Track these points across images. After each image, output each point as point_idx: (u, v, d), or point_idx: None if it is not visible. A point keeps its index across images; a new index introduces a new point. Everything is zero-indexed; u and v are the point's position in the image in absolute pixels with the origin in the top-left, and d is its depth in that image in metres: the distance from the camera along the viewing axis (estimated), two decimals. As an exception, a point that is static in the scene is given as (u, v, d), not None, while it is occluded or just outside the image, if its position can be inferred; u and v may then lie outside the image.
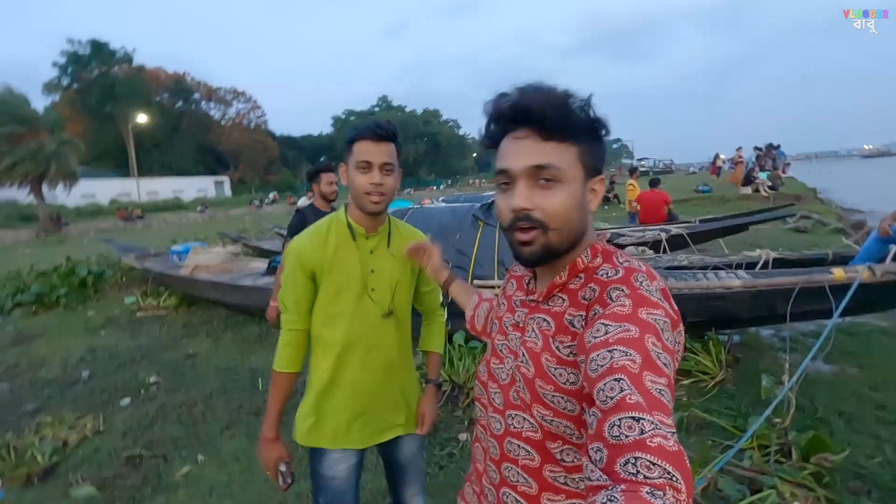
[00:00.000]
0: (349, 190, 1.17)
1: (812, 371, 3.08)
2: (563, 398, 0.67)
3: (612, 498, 0.41)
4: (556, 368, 0.68)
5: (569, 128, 0.65)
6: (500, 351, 0.80)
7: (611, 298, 0.63)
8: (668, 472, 0.43)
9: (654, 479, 0.42)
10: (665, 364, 0.53)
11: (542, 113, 0.64)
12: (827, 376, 3.04)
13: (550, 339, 0.70)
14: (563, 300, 0.71)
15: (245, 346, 4.42)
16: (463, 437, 2.59)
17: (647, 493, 0.41)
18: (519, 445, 0.74)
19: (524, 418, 0.73)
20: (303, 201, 9.18)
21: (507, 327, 0.80)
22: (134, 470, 2.53)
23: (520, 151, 0.67)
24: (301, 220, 3.04)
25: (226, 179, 51.77)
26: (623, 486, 0.42)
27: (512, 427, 0.75)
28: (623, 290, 0.62)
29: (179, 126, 50.43)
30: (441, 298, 1.45)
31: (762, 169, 14.04)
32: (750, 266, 4.01)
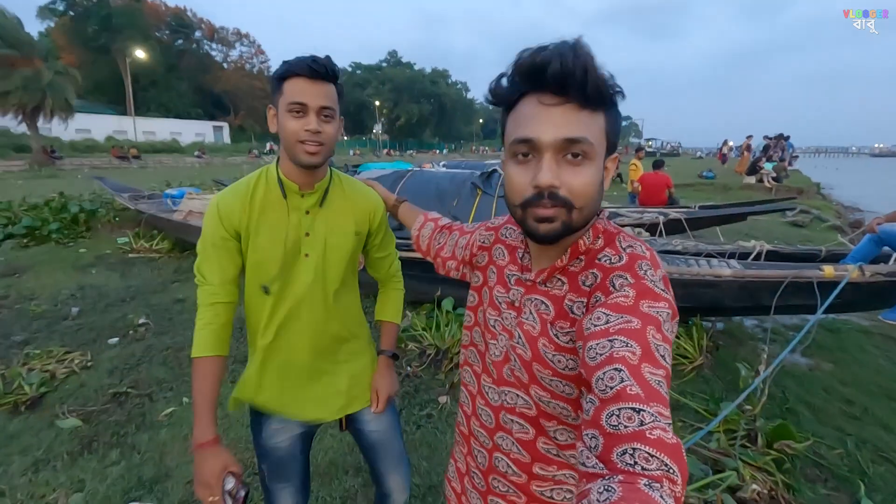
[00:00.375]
0: (280, 138, 0.98)
1: (789, 363, 3.16)
2: (561, 382, 0.67)
3: (609, 488, 0.41)
4: (553, 355, 0.67)
5: (605, 97, 0.60)
6: (493, 327, 0.78)
7: (614, 287, 0.61)
8: (666, 465, 0.43)
9: (651, 470, 0.42)
10: (664, 355, 0.53)
11: (585, 79, 0.57)
12: (802, 369, 3.11)
13: (549, 325, 0.68)
14: (563, 283, 0.69)
15: (235, 295, 4.44)
16: (443, 399, 2.66)
17: (645, 484, 0.41)
18: (513, 420, 0.75)
19: (518, 395, 0.73)
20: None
21: (499, 302, 0.78)
22: (119, 407, 2.59)
23: (552, 121, 0.60)
24: None
25: (225, 125, 50.65)
26: (620, 477, 0.42)
27: (506, 402, 0.76)
28: (626, 279, 0.61)
29: (179, 65, 48.78)
30: (398, 265, 1.33)
31: (769, 159, 13.87)
32: (743, 256, 4.03)
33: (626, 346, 0.52)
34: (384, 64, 71.13)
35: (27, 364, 2.92)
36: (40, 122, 22.49)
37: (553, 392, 0.68)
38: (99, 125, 35.48)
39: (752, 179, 13.37)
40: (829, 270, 2.91)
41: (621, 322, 0.55)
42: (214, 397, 1.01)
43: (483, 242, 0.88)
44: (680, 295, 3.07)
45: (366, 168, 7.98)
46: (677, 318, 0.61)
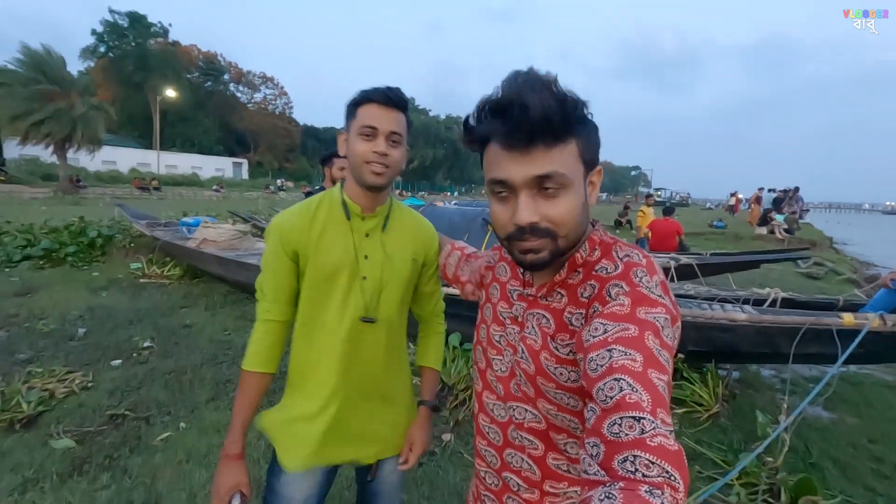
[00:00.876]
0: (349, 160, 1.01)
1: (810, 415, 3.01)
2: (565, 395, 0.67)
3: (610, 495, 0.41)
4: (555, 368, 0.67)
5: (570, 126, 0.60)
6: (498, 342, 0.79)
7: (610, 296, 0.61)
8: (667, 472, 0.42)
9: (652, 477, 0.42)
10: (665, 361, 0.53)
11: (546, 122, 0.57)
12: (824, 422, 2.96)
13: (549, 338, 0.69)
14: (562, 296, 0.69)
15: (241, 322, 4.42)
16: (447, 437, 2.56)
17: (646, 491, 0.40)
18: (523, 436, 0.74)
19: (526, 409, 0.73)
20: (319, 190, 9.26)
21: (503, 318, 0.79)
22: (115, 428, 2.53)
23: (520, 161, 0.60)
24: None
25: (244, 162, 52.46)
26: (621, 484, 0.42)
27: (514, 417, 0.75)
28: (622, 287, 0.61)
29: (206, 104, 51.21)
30: (443, 304, 1.26)
31: (780, 211, 13.87)
32: (757, 303, 3.94)
33: (625, 355, 0.52)
34: (401, 110, 74.01)
35: (28, 382, 2.89)
36: (70, 153, 23.50)
37: (559, 405, 0.68)
38: (124, 157, 36.99)
39: (763, 230, 13.32)
40: (848, 318, 2.82)
41: (619, 330, 0.54)
42: (251, 413, 1.03)
43: (489, 262, 0.91)
44: (694, 338, 3.02)
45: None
46: (678, 323, 0.61)
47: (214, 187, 34.42)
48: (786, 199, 14.37)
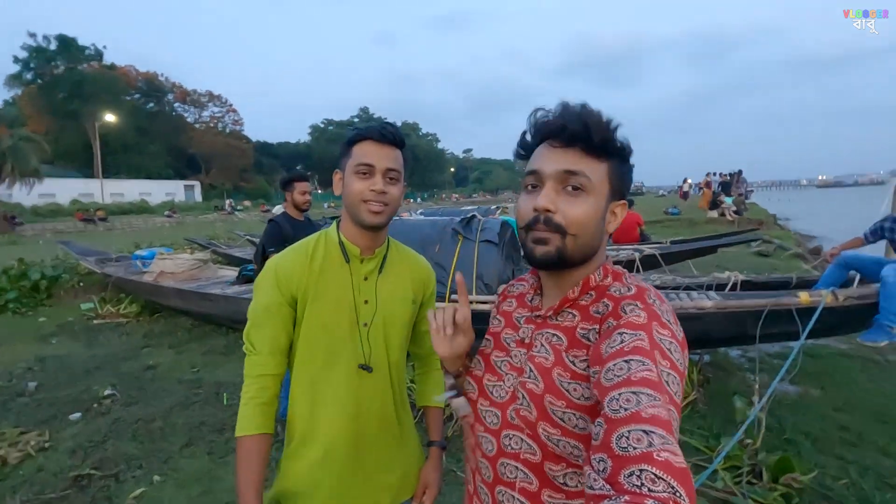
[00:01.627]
0: (344, 199, 0.98)
1: (779, 392, 3.16)
2: (574, 415, 0.65)
3: None
4: (569, 383, 0.67)
5: (607, 147, 0.68)
6: (499, 368, 0.78)
7: (625, 312, 0.64)
8: (673, 488, 0.42)
9: (658, 492, 0.42)
10: (670, 382, 0.54)
11: (588, 132, 0.66)
12: (793, 397, 3.12)
13: (563, 353, 0.69)
14: (574, 315, 0.71)
15: (210, 357, 4.22)
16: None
17: None
18: (516, 467, 0.72)
19: (522, 439, 0.71)
20: (278, 209, 9.01)
21: (507, 343, 0.79)
22: (81, 492, 2.34)
23: (555, 157, 0.68)
24: (275, 230, 2.96)
25: (196, 184, 50.41)
26: (626, 498, 0.42)
27: (508, 448, 0.73)
28: (637, 305, 0.64)
29: (150, 128, 48.90)
30: None
31: (728, 194, 14.65)
32: (720, 287, 4.13)
33: (643, 365, 0.53)
34: (356, 119, 73.37)
35: (-25, 450, 2.64)
36: (1, 189, 21.86)
37: (564, 428, 0.66)
38: (64, 189, 34.66)
39: (714, 213, 14.03)
40: (804, 297, 3.00)
41: (635, 340, 0.57)
42: (261, 479, 0.95)
43: (499, 307, 0.90)
44: (668, 329, 3.15)
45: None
46: (686, 349, 0.63)
47: (167, 213, 32.83)
48: (732, 182, 15.19)
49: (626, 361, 0.54)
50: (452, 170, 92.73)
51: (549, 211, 0.66)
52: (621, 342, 0.57)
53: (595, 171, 0.67)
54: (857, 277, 3.40)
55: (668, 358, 0.56)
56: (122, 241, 14.99)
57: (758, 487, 2.12)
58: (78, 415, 3.15)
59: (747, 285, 4.10)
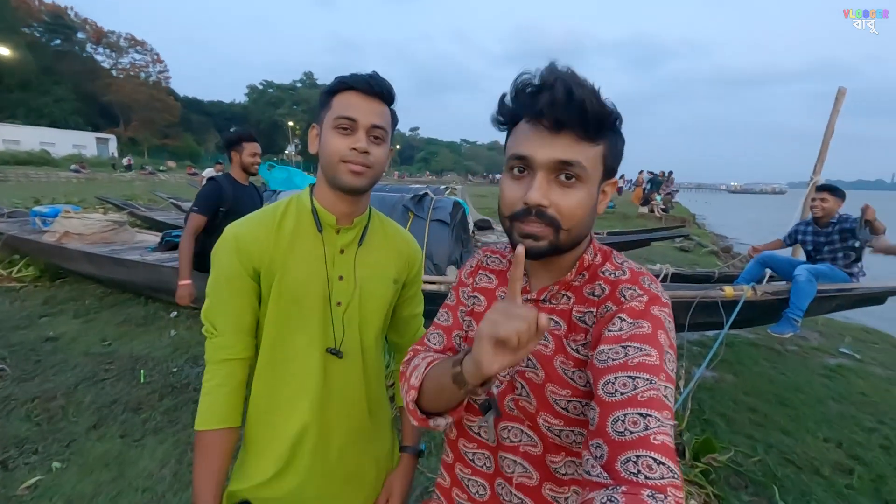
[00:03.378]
0: (321, 159, 0.85)
1: (700, 377, 3.43)
2: (580, 402, 0.63)
3: (612, 499, 0.41)
4: (573, 371, 0.64)
5: (603, 129, 0.61)
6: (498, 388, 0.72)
7: (624, 297, 0.62)
8: (671, 470, 0.43)
9: (654, 479, 0.42)
10: (671, 360, 0.55)
11: (584, 118, 0.58)
12: (710, 382, 3.40)
13: (564, 340, 0.66)
14: (569, 298, 0.68)
15: (125, 329, 3.80)
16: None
17: (648, 496, 0.41)
18: (514, 461, 0.69)
19: (522, 430, 0.68)
20: (208, 172, 8.27)
21: None
22: (-42, 481, 2.00)
23: (547, 143, 0.60)
24: (215, 190, 2.65)
25: (112, 137, 45.35)
26: (624, 488, 0.42)
27: (507, 441, 0.69)
28: (636, 290, 0.62)
29: (56, 68, 42.91)
30: (423, 331, 1.04)
31: (658, 193, 15.69)
32: (652, 278, 4.39)
33: (641, 351, 0.53)
34: (299, 84, 69.32)
35: None
36: None
37: (568, 418, 0.64)
38: (-58, 130, 29.72)
39: (645, 209, 14.98)
40: (729, 291, 3.25)
41: (634, 328, 0.56)
42: (222, 479, 0.83)
43: (466, 284, 0.81)
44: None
45: (283, 188, 7.52)
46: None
47: (73, 167, 29.20)
48: (664, 181, 16.26)
49: (623, 347, 0.54)
50: (398, 147, 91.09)
51: (542, 206, 0.61)
52: (620, 329, 0.57)
53: (590, 157, 0.61)
54: (768, 274, 3.76)
55: (669, 337, 0.57)
56: (17, 193, 13.14)
57: (681, 465, 2.28)
58: (-45, 391, 2.70)
59: (676, 277, 4.40)
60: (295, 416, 0.87)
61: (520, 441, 0.68)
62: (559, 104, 0.57)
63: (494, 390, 0.70)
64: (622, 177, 26.15)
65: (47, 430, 2.39)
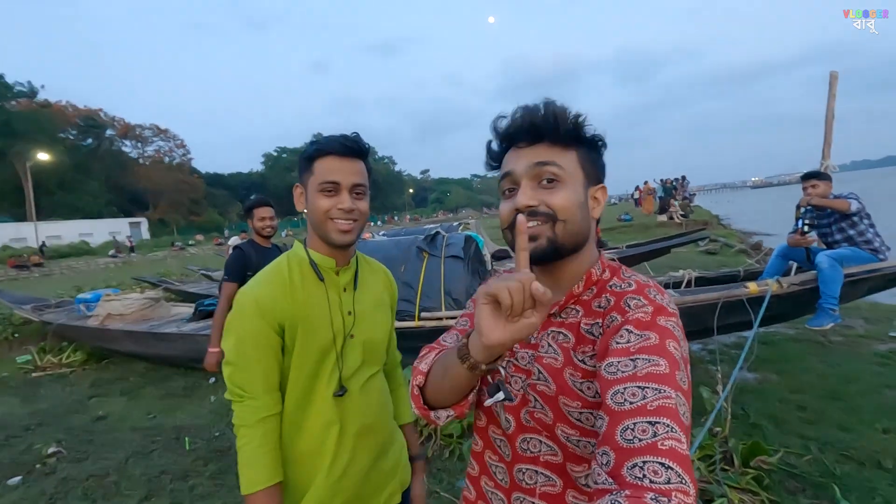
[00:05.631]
0: (309, 217, 0.95)
1: (740, 380, 3.31)
2: (592, 413, 0.64)
3: (615, 503, 0.41)
4: (581, 383, 0.65)
5: (570, 135, 0.68)
6: (505, 370, 0.75)
7: (629, 306, 0.63)
8: (679, 475, 0.42)
9: (660, 483, 0.41)
10: (681, 370, 0.54)
11: (547, 125, 0.67)
12: (752, 384, 3.28)
13: (572, 352, 0.67)
14: (578, 311, 0.69)
15: (169, 401, 3.95)
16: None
17: (651, 499, 0.40)
18: (536, 471, 0.69)
19: (541, 441, 0.69)
20: (234, 241, 8.67)
21: None
22: (25, 564, 2.10)
23: (524, 155, 0.69)
24: (240, 257, 2.83)
25: (143, 220, 48.00)
26: (627, 492, 0.42)
27: (526, 452, 0.70)
28: (640, 300, 0.63)
29: (89, 165, 46.35)
30: (398, 352, 1.22)
31: (674, 199, 15.50)
32: (676, 285, 4.33)
33: (650, 362, 0.53)
34: (311, 146, 72.49)
35: None
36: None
37: (583, 429, 0.64)
38: (-7, 235, 32.12)
39: (664, 217, 14.77)
40: (753, 287, 3.19)
41: (641, 340, 0.57)
42: None
43: (471, 308, 0.87)
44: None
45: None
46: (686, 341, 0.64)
47: (111, 252, 30.90)
48: (677, 187, 16.09)
49: (632, 360, 0.54)
50: (411, 191, 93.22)
51: (531, 206, 0.66)
52: (628, 341, 0.57)
53: (566, 161, 0.68)
54: (794, 267, 3.67)
55: (678, 346, 0.57)
56: (62, 285, 13.93)
57: (731, 473, 2.19)
58: (17, 478, 2.84)
59: (701, 281, 4.33)
60: (327, 444, 0.96)
61: (539, 451, 0.69)
62: (530, 120, 0.67)
63: (511, 403, 0.71)
64: (637, 189, 26.02)
65: (103, 506, 2.49)
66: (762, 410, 2.86)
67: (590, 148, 0.71)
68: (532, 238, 0.65)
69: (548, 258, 0.67)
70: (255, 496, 0.87)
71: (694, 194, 22.48)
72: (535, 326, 0.53)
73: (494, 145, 0.74)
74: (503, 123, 0.71)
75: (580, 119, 0.69)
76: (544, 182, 0.67)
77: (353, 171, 0.93)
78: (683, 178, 16.76)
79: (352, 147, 0.93)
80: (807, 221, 3.40)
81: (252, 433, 0.89)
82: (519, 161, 0.69)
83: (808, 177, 3.49)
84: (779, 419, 2.75)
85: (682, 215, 14.41)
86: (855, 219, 3.25)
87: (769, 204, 32.08)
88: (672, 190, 16.02)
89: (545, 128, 0.67)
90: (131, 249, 33.41)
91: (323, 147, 0.92)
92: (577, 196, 0.68)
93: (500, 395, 0.65)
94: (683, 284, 4.31)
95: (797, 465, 2.29)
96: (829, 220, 3.40)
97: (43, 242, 31.12)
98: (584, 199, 0.69)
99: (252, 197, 3.12)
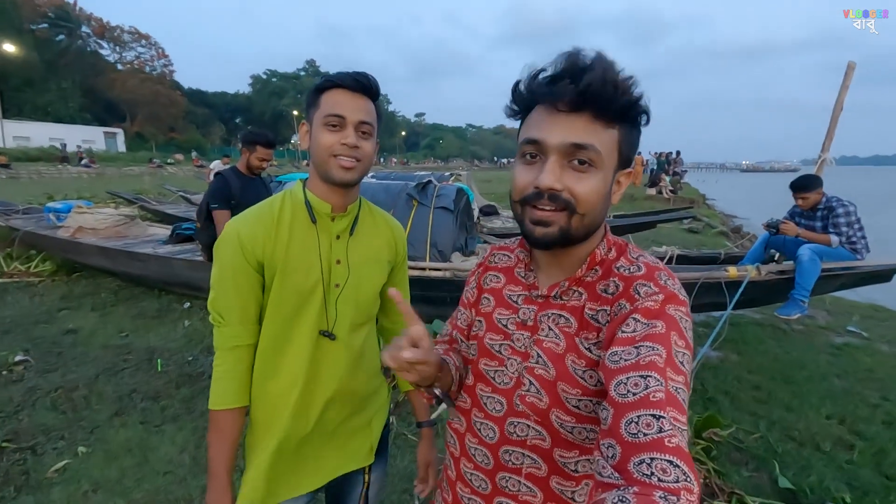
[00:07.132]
0: (311, 154, 0.90)
1: (704, 357, 3.46)
2: (591, 401, 0.62)
3: (623, 499, 0.40)
4: (584, 371, 0.63)
5: (622, 111, 0.59)
6: (498, 352, 0.72)
7: (639, 294, 0.60)
8: (685, 474, 0.42)
9: (668, 482, 0.41)
10: (684, 362, 0.53)
11: (600, 96, 0.57)
12: (714, 361, 3.43)
13: (576, 338, 0.64)
14: (581, 294, 0.66)
15: (141, 321, 3.92)
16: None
17: (661, 497, 0.40)
18: (522, 454, 0.68)
19: (529, 426, 0.67)
20: (216, 165, 8.34)
21: (504, 325, 0.72)
22: (-9, 466, 2.12)
23: (561, 125, 0.59)
24: (223, 185, 2.74)
25: (119, 132, 45.65)
26: (636, 488, 0.41)
27: (513, 435, 0.69)
28: (651, 287, 0.60)
29: (60, 63, 43.05)
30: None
31: (667, 174, 15.48)
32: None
33: (653, 350, 0.52)
34: (302, 73, 68.86)
35: None
36: None
37: (580, 415, 0.63)
38: (-46, 129, 30.12)
39: (653, 191, 14.81)
40: (732, 271, 3.26)
41: (647, 329, 0.55)
42: (234, 455, 0.92)
43: (476, 284, 0.82)
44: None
45: (289, 178, 7.58)
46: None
47: (84, 161, 29.45)
48: (671, 162, 16.03)
49: (636, 348, 0.53)
50: (403, 133, 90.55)
51: (555, 190, 0.59)
52: (634, 330, 0.55)
53: (605, 142, 0.59)
54: (776, 255, 3.75)
55: (684, 337, 0.55)
56: (30, 190, 13.35)
57: (683, 442, 2.33)
58: (-17, 383, 2.83)
59: (682, 259, 4.39)
60: (298, 396, 0.94)
61: (527, 436, 0.68)
62: (579, 83, 0.56)
63: (504, 385, 0.72)
64: (639, 154, 25.89)
65: (72, 419, 2.50)
66: (720, 387, 3.02)
67: (633, 126, 0.62)
68: (543, 223, 0.61)
69: (554, 246, 0.63)
70: (218, 413, 0.91)
71: (686, 171, 22.50)
72: (433, 366, 0.65)
73: (523, 88, 0.63)
74: (544, 75, 0.60)
75: (638, 93, 0.59)
76: (575, 163, 0.59)
77: (361, 107, 0.88)
78: (678, 153, 16.66)
79: (363, 83, 0.88)
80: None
81: (224, 357, 0.92)
82: (553, 130, 0.59)
83: (797, 188, 3.40)
84: (734, 396, 2.91)
85: (671, 191, 14.47)
86: (845, 227, 3.26)
87: (756, 190, 32.52)
88: (665, 164, 15.96)
89: (598, 98, 0.57)
90: (80, 161, 30.54)
91: (333, 79, 0.88)
92: (605, 185, 0.61)
93: (446, 404, 0.74)
94: (665, 261, 4.37)
95: (744, 441, 2.44)
96: (821, 222, 3.40)
97: None
98: (611, 187, 0.63)
99: (258, 131, 2.95)
